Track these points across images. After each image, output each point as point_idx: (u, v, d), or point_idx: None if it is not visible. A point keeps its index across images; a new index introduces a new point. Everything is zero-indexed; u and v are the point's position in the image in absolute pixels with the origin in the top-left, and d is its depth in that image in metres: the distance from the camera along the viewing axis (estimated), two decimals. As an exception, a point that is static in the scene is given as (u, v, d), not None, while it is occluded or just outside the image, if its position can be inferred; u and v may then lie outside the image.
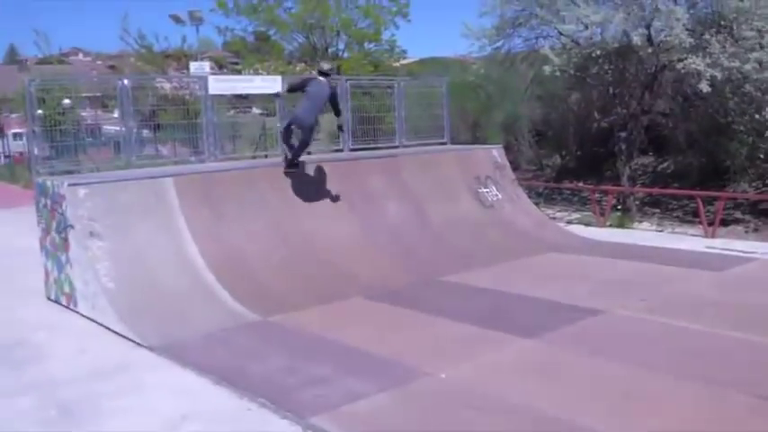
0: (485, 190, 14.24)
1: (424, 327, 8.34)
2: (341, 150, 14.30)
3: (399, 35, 34.08)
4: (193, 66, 17.18)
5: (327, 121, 18.25)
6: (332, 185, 12.01)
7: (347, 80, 14.82)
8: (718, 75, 15.47)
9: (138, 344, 7.86)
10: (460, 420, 5.68)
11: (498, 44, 21.21)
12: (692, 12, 16.57)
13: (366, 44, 29.39)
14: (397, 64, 30.67)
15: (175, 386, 6.64)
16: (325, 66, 11.90)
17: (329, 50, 28.77)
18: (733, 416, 5.59)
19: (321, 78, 11.22)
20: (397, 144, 14.98)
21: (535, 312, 8.77)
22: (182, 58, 27.39)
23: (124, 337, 8.11)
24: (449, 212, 13.09)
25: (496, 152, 15.46)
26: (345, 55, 29.13)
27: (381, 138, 14.96)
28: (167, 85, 14.81)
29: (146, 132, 13.07)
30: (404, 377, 6.59)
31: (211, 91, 12.43)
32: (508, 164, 15.54)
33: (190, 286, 9.17)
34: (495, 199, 14.26)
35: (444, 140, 15.82)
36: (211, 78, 12.93)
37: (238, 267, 9.75)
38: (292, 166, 11.57)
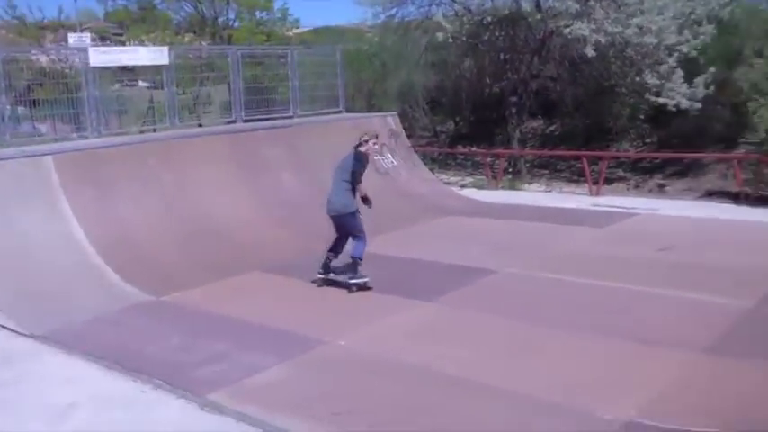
0: (381, 157, 14.29)
1: (323, 297, 8.36)
2: (234, 122, 13.94)
3: (292, 4, 33.43)
4: (72, 38, 16.22)
5: (220, 92, 17.80)
6: (225, 158, 11.71)
7: (238, 49, 14.42)
8: (602, 40, 16.05)
9: (19, 333, 7.43)
10: (360, 385, 5.73)
11: (392, 12, 21.23)
12: (577, -22, 17.00)
13: (257, 13, 28.71)
14: (291, 33, 30.15)
15: (61, 374, 6.32)
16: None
17: (219, 20, 27.93)
18: (618, 359, 5.96)
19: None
20: (291, 114, 14.73)
21: (432, 276, 8.93)
22: (59, 30, 25.87)
23: (3, 326, 7.65)
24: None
25: (392, 120, 15.54)
26: (236, 24, 28.38)
27: (276, 108, 14.65)
28: (44, 59, 13.87)
29: (21, 109, 12.25)
30: (302, 347, 6.57)
31: (93, 63, 11.75)
32: (403, 131, 15.67)
33: (76, 269, 8.73)
34: (391, 166, 14.36)
35: (340, 109, 15.73)
36: (92, 50, 12.23)
37: (129, 247, 9.36)
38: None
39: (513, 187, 16.67)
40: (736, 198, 13.61)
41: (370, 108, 20.03)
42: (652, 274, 8.40)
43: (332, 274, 8.71)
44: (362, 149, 8.41)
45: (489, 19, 18.32)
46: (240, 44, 18.82)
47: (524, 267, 8.99)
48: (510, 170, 18.36)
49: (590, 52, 16.06)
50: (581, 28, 16.03)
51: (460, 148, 21.12)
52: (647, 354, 6.02)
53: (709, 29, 16.28)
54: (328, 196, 8.40)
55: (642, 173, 17.13)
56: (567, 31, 16.50)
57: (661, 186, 16.21)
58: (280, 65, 15.13)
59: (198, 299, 8.35)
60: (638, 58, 16.62)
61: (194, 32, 27.49)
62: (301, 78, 14.90)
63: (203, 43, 26.61)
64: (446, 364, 5.98)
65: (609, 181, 16.18)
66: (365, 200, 8.31)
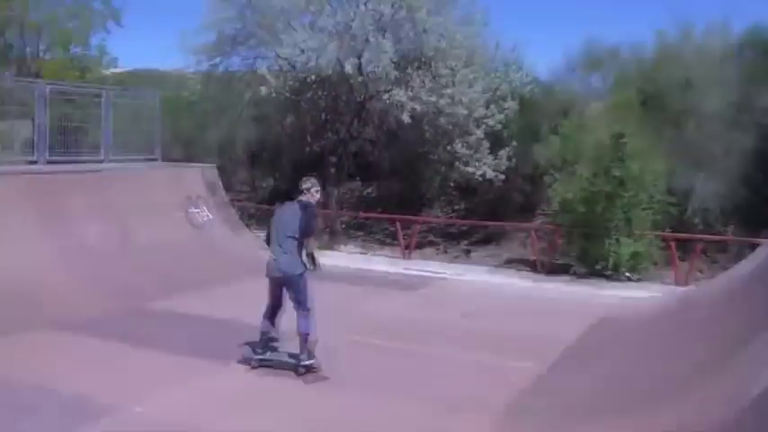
0: (196, 210, 13.86)
1: (123, 359, 7.70)
2: (36, 162, 12.88)
3: (111, 41, 31.83)
4: None
5: (22, 128, 16.38)
6: (23, 202, 10.68)
7: (47, 83, 13.47)
8: (418, 107, 16.86)
9: None
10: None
11: (216, 61, 20.92)
12: (397, 47, 17.80)
13: (72, 47, 27.04)
14: (108, 72, 28.68)
15: None
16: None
17: (28, 50, 25.98)
18: (423, 426, 6.04)
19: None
20: (102, 159, 13.89)
21: (244, 339, 8.64)
22: None
23: None
24: (157, 234, 12.43)
25: (210, 172, 15.16)
26: (47, 56, 26.53)
27: (85, 151, 13.78)
28: None
29: None
30: (93, 414, 5.99)
31: None
32: (221, 184, 15.32)
33: None
34: (206, 220, 13.94)
35: (155, 157, 15.09)
36: None
37: None
38: None
39: (329, 247, 16.80)
40: (533, 266, 14.67)
41: (188, 158, 19.45)
42: (458, 338, 8.70)
43: (268, 354, 7.48)
44: (306, 199, 7.39)
45: (313, 78, 18.56)
46: (51, 79, 17.55)
47: (336, 332, 8.96)
48: (326, 230, 18.54)
49: (406, 119, 16.78)
50: (399, 94, 16.75)
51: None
52: (445, 417, 6.18)
53: (512, 105, 17.74)
54: (270, 256, 7.29)
55: (451, 238, 18.00)
56: (385, 96, 17.17)
57: (467, 252, 17.12)
58: (93, 105, 14.30)
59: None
60: (450, 127, 17.63)
61: (-5, 63, 25.22)
62: (115, 121, 14.17)
63: (7, 73, 24.60)
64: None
65: (420, 245, 16.82)
66: (312, 259, 7.28)
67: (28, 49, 25.91)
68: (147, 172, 13.99)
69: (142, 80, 26.32)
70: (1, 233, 10.04)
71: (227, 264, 12.74)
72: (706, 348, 6.27)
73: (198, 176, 14.72)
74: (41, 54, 26.45)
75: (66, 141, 13.28)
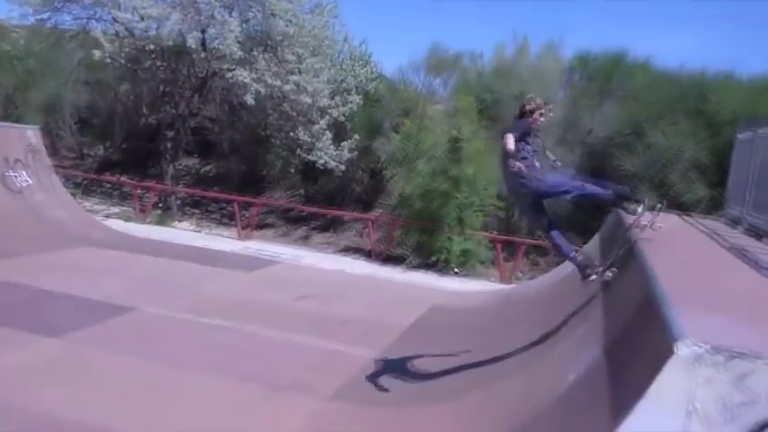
0: (14, 174, 12.81)
1: None
2: None
3: None
4: None
5: None
6: None
7: None
8: (263, 90, 16.64)
9: None
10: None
11: (44, 16, 19.29)
12: (244, 26, 17.46)
13: None
14: None
15: None
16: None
17: None
18: (249, 404, 5.95)
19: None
20: None
21: (63, 310, 8.12)
22: None
23: None
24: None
25: (32, 134, 14.04)
26: None
27: None
28: None
29: None
30: None
31: None
32: (44, 148, 14.23)
33: None
34: (25, 185, 12.90)
35: (-34, 112, 13.75)
36: None
37: None
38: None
39: (162, 223, 16.17)
40: (369, 255, 15.03)
41: (7, 117, 17.84)
42: (290, 321, 8.69)
43: None
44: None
45: (152, 47, 17.72)
46: None
47: (166, 307, 8.66)
48: (160, 205, 17.80)
49: (250, 100, 16.52)
50: (243, 75, 16.44)
51: (109, 176, 19.90)
52: (277, 400, 6.14)
53: (356, 99, 18.03)
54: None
55: (290, 222, 18.01)
56: (229, 75, 16.79)
57: (306, 237, 17.21)
58: None
59: None
60: (294, 114, 17.59)
61: None
62: None
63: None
64: (71, 409, 5.42)
65: (260, 227, 16.68)
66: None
67: None
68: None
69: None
70: None
71: (48, 231, 11.96)
72: (524, 340, 6.79)
73: (17, 138, 13.60)
74: None
75: None
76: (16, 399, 5.51)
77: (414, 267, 14.30)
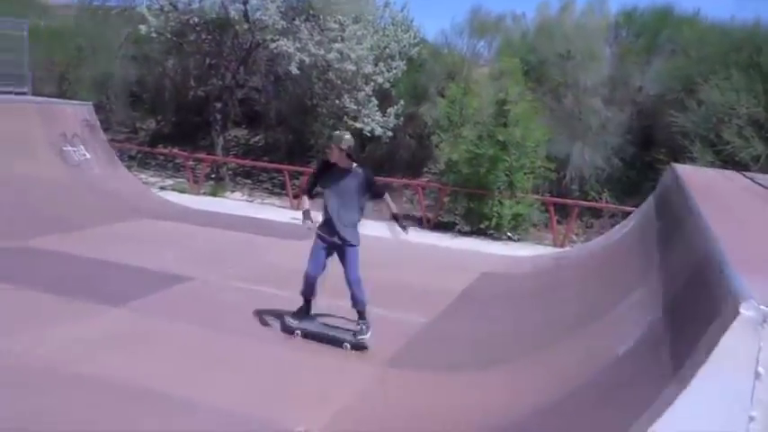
0: (72, 149, 13.19)
1: (3, 298, 7.33)
2: None
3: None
4: None
5: None
6: None
7: None
8: (307, 59, 16.69)
9: None
10: (29, 401, 5.08)
11: (90, -7, 19.76)
12: (285, -4, 17.49)
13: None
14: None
15: None
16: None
17: None
18: (311, 374, 6.09)
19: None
20: (-40, 88, 12.92)
21: (125, 280, 8.39)
22: None
23: None
24: (30, 171, 11.79)
25: (87, 110, 14.40)
26: None
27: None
28: None
29: None
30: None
31: None
32: (99, 123, 14.59)
33: None
34: (83, 159, 13.28)
35: (24, 90, 14.17)
36: None
37: None
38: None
39: (215, 194, 16.48)
40: (419, 222, 15.08)
41: (62, 94, 18.31)
42: (343, 288, 8.76)
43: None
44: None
45: (196, 20, 17.93)
46: None
47: (223, 276, 8.89)
48: (212, 176, 18.13)
49: (294, 70, 16.60)
50: (286, 45, 16.50)
51: (161, 149, 20.33)
52: (336, 366, 6.28)
53: (400, 64, 17.95)
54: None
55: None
56: (273, 45, 16.87)
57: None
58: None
59: None
60: (339, 82, 17.63)
61: None
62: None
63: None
64: (135, 375, 5.64)
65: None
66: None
67: None
68: (16, 105, 13.09)
69: (7, 7, 24.30)
70: None
71: (107, 204, 12.30)
72: (576, 306, 6.79)
73: (73, 114, 13.97)
74: None
75: None
76: (83, 367, 5.74)
77: (464, 234, 14.31)
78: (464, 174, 14.66)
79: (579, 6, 18.73)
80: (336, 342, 6.69)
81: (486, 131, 14.60)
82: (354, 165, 6.55)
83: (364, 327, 6.67)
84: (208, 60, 19.61)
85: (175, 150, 19.71)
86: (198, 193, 16.03)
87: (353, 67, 17.05)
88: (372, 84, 17.58)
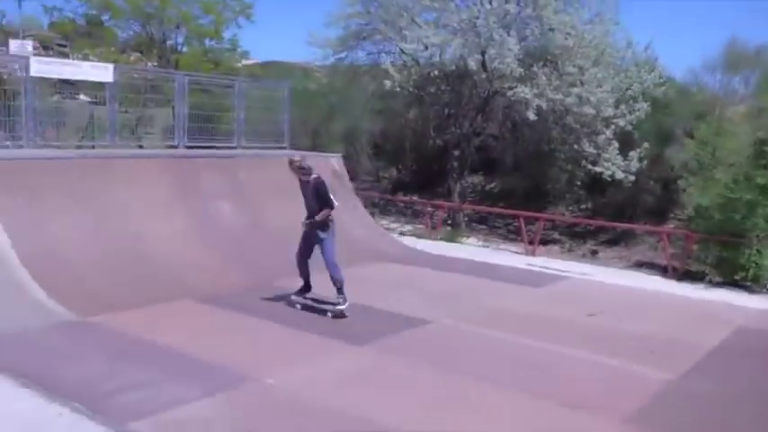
0: (323, 198, 14.21)
1: (254, 331, 8.13)
2: (175, 147, 13.69)
3: (242, 35, 33.27)
4: (14, 44, 15.78)
5: (163, 115, 17.43)
6: (165, 182, 11.36)
7: (185, 75, 14.26)
8: (544, 105, 16.61)
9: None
10: (285, 427, 5.52)
11: (342, 55, 21.53)
12: (523, 44, 17.67)
13: (207, 41, 28.49)
14: (239, 64, 30.02)
15: (-27, 390, 5.93)
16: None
17: (167, 43, 27.60)
18: (542, 423, 5.89)
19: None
20: (234, 145, 14.59)
21: (365, 320, 8.81)
22: (-1, 34, 25.01)
23: None
24: (285, 217, 12.79)
25: (335, 161, 15.51)
26: (184, 50, 28.10)
27: (219, 137, 14.49)
28: (-18, 62, 13.42)
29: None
30: (229, 382, 6.33)
31: (33, 73, 11.41)
32: (347, 173, 15.66)
33: (0, 282, 8.27)
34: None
35: (284, 145, 15.65)
36: (33, 59, 11.90)
37: (57, 263, 8.91)
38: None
39: (451, 239, 16.80)
40: (664, 270, 14.05)
41: (314, 147, 20.04)
42: (580, 337, 8.47)
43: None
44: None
45: (436, 72, 18.72)
46: (187, 70, 18.60)
47: (459, 320, 8.98)
48: (449, 222, 18.57)
49: (531, 116, 16.58)
50: (524, 91, 16.57)
51: (401, 196, 21.30)
52: (573, 419, 6.01)
53: (643, 106, 17.13)
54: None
55: (576, 237, 17.63)
56: (510, 93, 17.04)
57: (594, 252, 16.69)
58: (226, 95, 15.01)
59: (125, 323, 7.99)
60: (577, 126, 17.28)
61: (141, 52, 27.03)
62: (247, 110, 14.82)
63: (149, 64, 26.24)
64: (377, 412, 5.84)
65: (544, 242, 16.55)
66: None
67: (167, 42, 27.55)
68: (277, 158, 14.47)
69: (271, 72, 27.39)
70: (147, 208, 10.76)
71: (352, 249, 12.96)
72: None
73: (324, 165, 15.03)
74: (179, 47, 28.08)
75: (202, 128, 13.98)
76: (322, 398, 6.09)
77: (715, 285, 13.06)
78: (716, 220, 13.43)
79: None
80: (322, 312, 8.77)
81: (742, 174, 13.31)
82: (312, 177, 8.63)
83: (341, 300, 8.72)
84: (447, 110, 20.33)
85: (414, 198, 20.53)
86: (434, 239, 16.45)
87: (593, 111, 16.65)
88: (613, 127, 17.00)
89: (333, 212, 8.74)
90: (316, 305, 8.95)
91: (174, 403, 5.80)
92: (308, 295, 9.19)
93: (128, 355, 6.97)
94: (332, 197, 8.69)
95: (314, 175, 8.64)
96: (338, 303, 8.73)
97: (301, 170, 8.68)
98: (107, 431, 5.25)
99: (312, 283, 9.24)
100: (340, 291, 8.72)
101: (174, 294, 9.18)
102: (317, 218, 8.64)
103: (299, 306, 9.04)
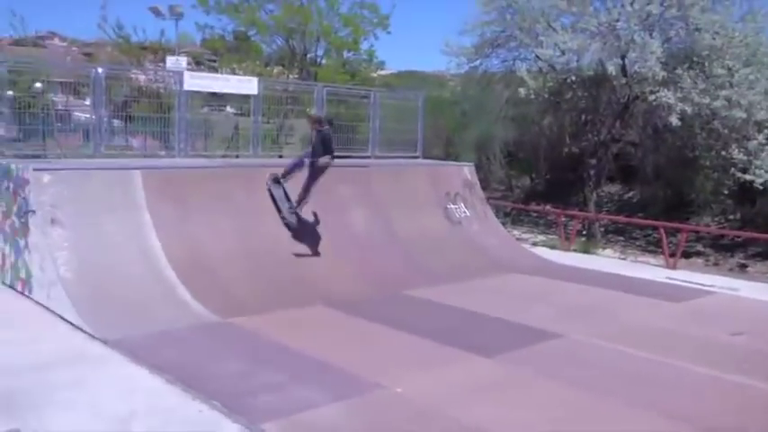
0: (454, 206, 14.28)
1: (384, 339, 8.30)
2: (313, 157, 14.24)
3: (378, 46, 33.98)
4: (170, 60, 17.02)
5: (302, 125, 18.12)
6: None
7: (324, 86, 14.79)
8: (689, 109, 15.81)
9: (92, 336, 7.66)
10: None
11: (476, 63, 21.48)
12: (666, 46, 16.94)
13: (345, 53, 29.32)
14: (375, 75, 30.66)
15: (126, 382, 6.48)
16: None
17: (308, 56, 28.68)
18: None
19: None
20: (369, 155, 14.95)
21: (494, 332, 8.77)
22: (159, 51, 27.00)
23: (78, 328, 7.90)
24: (417, 226, 13.05)
25: (468, 170, 15.53)
26: (323, 62, 29.08)
27: (354, 147, 14.90)
28: (142, 77, 14.62)
29: (117, 122, 12.86)
30: (359, 388, 6.51)
31: (187, 87, 12.31)
32: (478, 182, 15.61)
33: (150, 282, 8.99)
34: (463, 216, 14.30)
35: (417, 155, 15.85)
36: (187, 74, 12.81)
37: (201, 267, 9.58)
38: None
39: (585, 251, 16.33)
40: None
41: (447, 156, 20.18)
42: (722, 358, 7.99)
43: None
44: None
45: (573, 78, 18.32)
46: (325, 81, 19.30)
47: (591, 335, 8.70)
48: (584, 233, 18.05)
49: (675, 121, 15.86)
50: (666, 96, 15.89)
51: (534, 206, 20.96)
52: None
53: (802, 108, 15.89)
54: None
55: (723, 250, 16.61)
56: (651, 97, 16.39)
57: (743, 266, 15.66)
58: (362, 105, 15.40)
59: (262, 325, 8.44)
60: (726, 131, 16.32)
61: (283, 65, 28.25)
62: (382, 120, 15.13)
63: (291, 76, 27.40)
64: (504, 426, 5.82)
65: (686, 255, 15.73)
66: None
67: (308, 55, 28.62)
68: (410, 168, 14.70)
69: (405, 81, 27.82)
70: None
71: (483, 260, 12.98)
72: None
73: (456, 174, 15.14)
74: (319, 59, 29.09)
75: (338, 138, 14.38)
76: (450, 409, 6.12)
77: None
78: None
79: None
80: (279, 210, 11.14)
81: None
82: (323, 128, 11.19)
83: (300, 205, 11.13)
84: (583, 117, 19.83)
85: (548, 207, 20.13)
86: (568, 250, 16.03)
87: (743, 115, 15.67)
88: (766, 131, 15.87)
89: (328, 160, 11.06)
90: (277, 202, 11.27)
91: (305, 406, 6.05)
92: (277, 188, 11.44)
93: (263, 357, 7.36)
94: (332, 148, 11.16)
95: (325, 127, 11.12)
96: (293, 207, 11.15)
97: (316, 123, 11.24)
98: (241, 429, 5.57)
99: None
100: (299, 203, 11.11)
101: (309, 300, 9.59)
102: (320, 161, 10.96)
103: (269, 191, 11.35)
